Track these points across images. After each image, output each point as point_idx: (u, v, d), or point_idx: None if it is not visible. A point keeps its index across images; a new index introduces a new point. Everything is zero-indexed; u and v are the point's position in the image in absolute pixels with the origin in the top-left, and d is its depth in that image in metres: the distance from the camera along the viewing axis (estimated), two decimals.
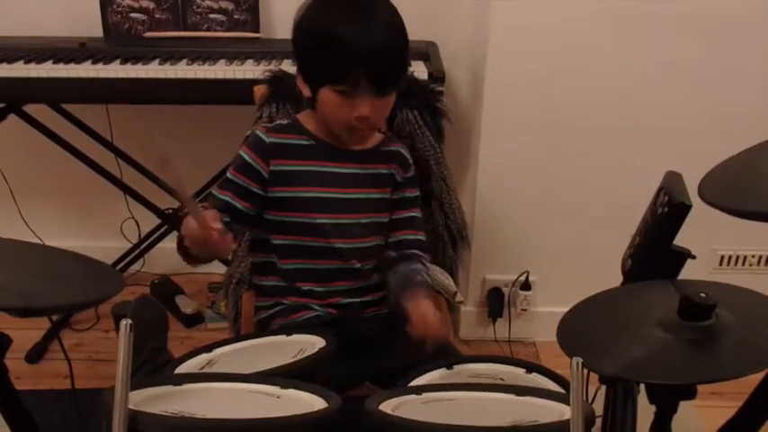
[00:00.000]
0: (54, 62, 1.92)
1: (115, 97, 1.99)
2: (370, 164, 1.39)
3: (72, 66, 1.91)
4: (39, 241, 2.25)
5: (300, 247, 1.35)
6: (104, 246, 2.43)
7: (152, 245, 2.43)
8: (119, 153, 2.33)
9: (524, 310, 2.28)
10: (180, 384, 1.03)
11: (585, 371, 0.90)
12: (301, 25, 1.28)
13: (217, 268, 1.84)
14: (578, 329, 1.07)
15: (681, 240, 1.17)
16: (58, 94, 1.99)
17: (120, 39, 2.13)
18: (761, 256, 2.22)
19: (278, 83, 1.58)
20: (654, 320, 1.01)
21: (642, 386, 1.05)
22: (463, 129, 2.19)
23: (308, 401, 0.98)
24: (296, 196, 1.34)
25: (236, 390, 1.03)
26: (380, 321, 1.42)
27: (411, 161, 1.45)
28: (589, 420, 0.92)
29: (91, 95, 1.97)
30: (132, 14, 2.13)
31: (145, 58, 1.96)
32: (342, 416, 0.95)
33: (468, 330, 2.34)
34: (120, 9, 2.12)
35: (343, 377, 1.24)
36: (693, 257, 1.17)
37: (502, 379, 1.19)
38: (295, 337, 1.28)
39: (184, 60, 1.96)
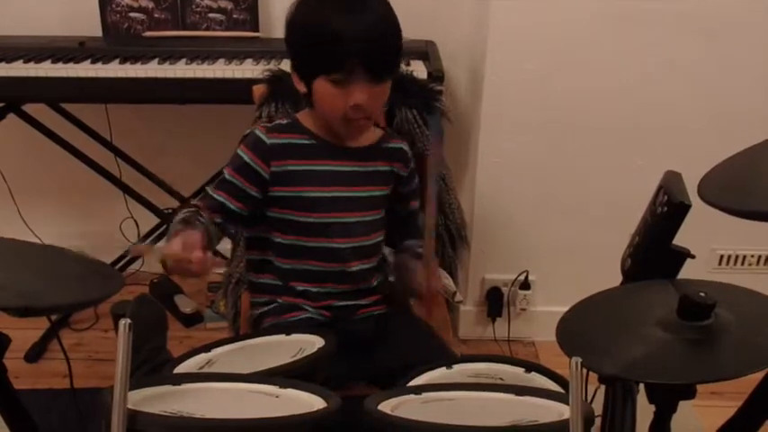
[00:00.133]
0: (53, 62, 1.92)
1: (114, 97, 1.99)
2: (369, 161, 1.39)
3: (71, 65, 1.91)
4: (38, 241, 2.25)
5: (300, 247, 1.35)
6: (104, 245, 2.43)
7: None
8: (118, 153, 2.33)
9: (524, 309, 2.28)
10: (179, 384, 1.03)
11: (585, 370, 0.90)
12: (294, 21, 1.28)
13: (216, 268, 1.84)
14: (578, 329, 1.07)
15: (680, 240, 1.17)
16: (57, 93, 1.99)
17: (119, 38, 2.14)
18: (760, 256, 2.22)
19: (277, 82, 1.58)
20: (653, 320, 1.00)
21: (642, 386, 1.05)
22: (462, 128, 2.19)
23: (307, 401, 0.98)
24: (298, 196, 1.34)
25: (235, 389, 1.02)
26: (375, 320, 1.42)
27: (411, 154, 1.46)
28: (588, 420, 0.92)
29: (90, 95, 1.97)
30: (131, 14, 2.13)
31: (144, 58, 1.96)
32: (341, 416, 0.94)
33: (468, 330, 2.35)
34: (119, 8, 2.12)
35: (343, 377, 1.24)
36: (693, 257, 1.17)
37: (501, 378, 1.18)
38: (294, 336, 1.28)
39: (183, 60, 1.96)
